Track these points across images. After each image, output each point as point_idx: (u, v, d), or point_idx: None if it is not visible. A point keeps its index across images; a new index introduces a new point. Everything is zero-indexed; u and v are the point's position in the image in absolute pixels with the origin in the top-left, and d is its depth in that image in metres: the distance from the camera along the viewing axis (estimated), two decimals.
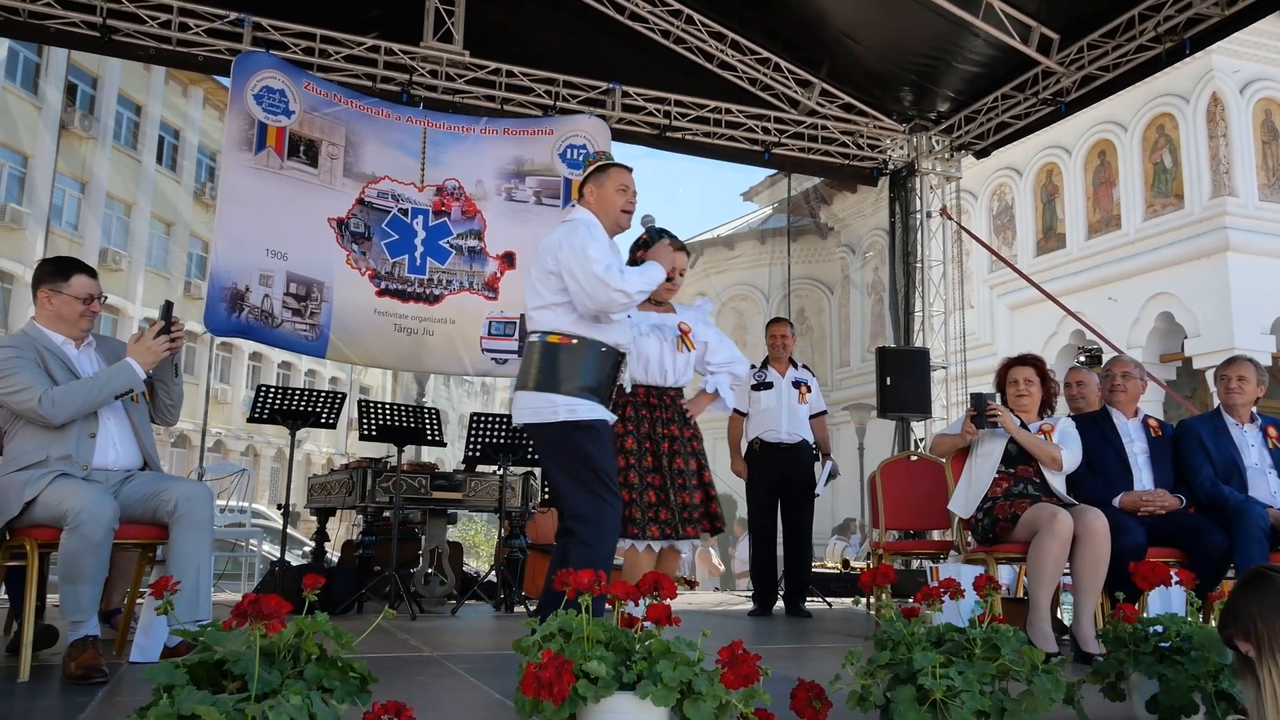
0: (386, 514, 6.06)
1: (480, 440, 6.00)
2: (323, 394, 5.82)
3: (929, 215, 8.45)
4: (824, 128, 8.27)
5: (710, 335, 3.71)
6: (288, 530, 6.16)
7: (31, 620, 3.09)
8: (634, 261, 3.51)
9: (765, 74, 7.96)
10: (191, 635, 1.71)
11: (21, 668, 2.99)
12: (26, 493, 3.06)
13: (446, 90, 7.38)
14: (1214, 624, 2.20)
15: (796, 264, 17.60)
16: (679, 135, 7.96)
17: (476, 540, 18.39)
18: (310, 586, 1.83)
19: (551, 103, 7.58)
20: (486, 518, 15.71)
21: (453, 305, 6.88)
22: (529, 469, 6.25)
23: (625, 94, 7.77)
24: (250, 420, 5.84)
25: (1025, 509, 3.90)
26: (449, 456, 16.96)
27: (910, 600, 2.33)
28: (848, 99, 8.16)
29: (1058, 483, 4.06)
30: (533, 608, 5.57)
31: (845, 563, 9.02)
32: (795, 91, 8.07)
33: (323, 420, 5.75)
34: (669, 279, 3.53)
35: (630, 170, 3.37)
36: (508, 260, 7.01)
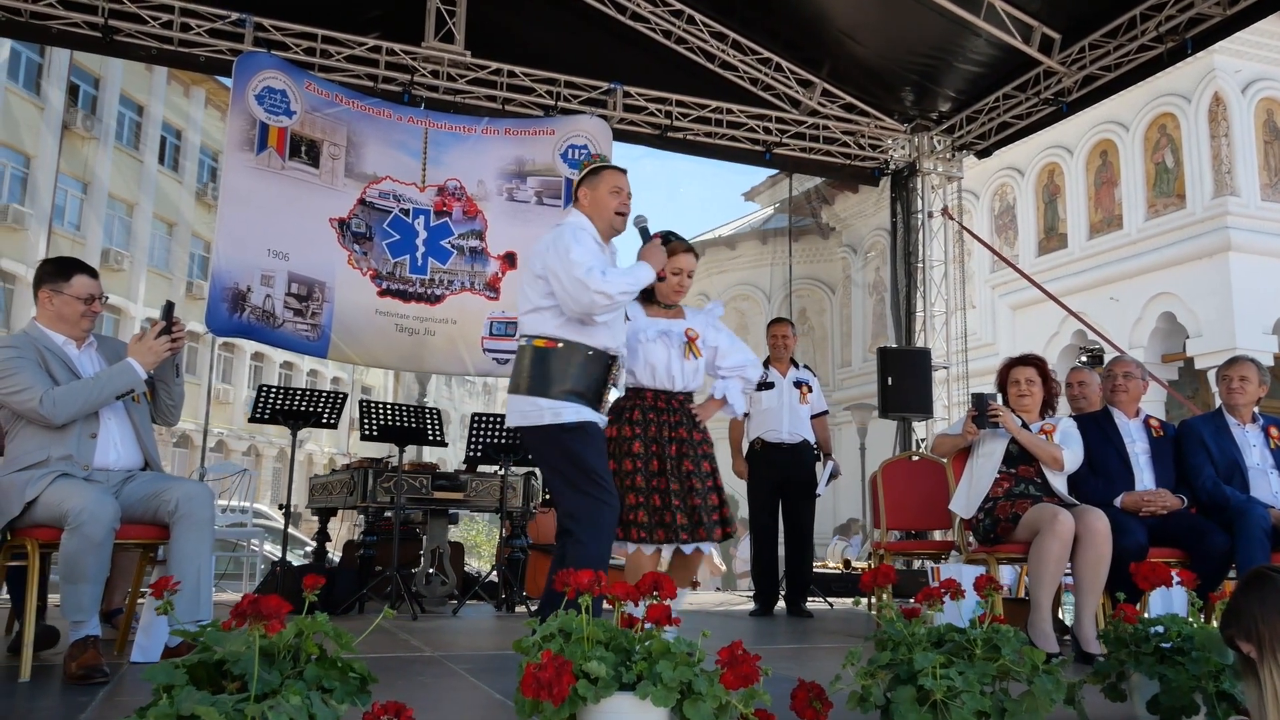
0: (388, 514, 6.06)
1: (481, 440, 6.00)
2: (324, 394, 5.82)
3: (930, 215, 8.44)
4: (825, 128, 8.27)
5: (722, 339, 3.67)
6: (289, 530, 6.16)
7: (33, 620, 3.10)
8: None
9: (766, 74, 7.96)
10: (191, 635, 1.71)
11: (22, 668, 2.99)
12: (28, 493, 3.06)
13: (448, 90, 7.38)
14: (1215, 624, 2.20)
15: (798, 264, 17.59)
16: (680, 135, 7.96)
17: (478, 540, 18.40)
18: (310, 587, 1.83)
19: (553, 103, 7.58)
20: (488, 518, 15.72)
21: (454, 305, 6.89)
22: (530, 469, 6.25)
23: (626, 94, 7.77)
24: (251, 420, 5.84)
25: (1026, 509, 3.90)
26: (450, 456, 16.97)
27: (911, 600, 2.33)
28: (849, 99, 8.15)
29: (1059, 483, 4.06)
30: (534, 608, 5.57)
31: (847, 563, 9.02)
32: (796, 91, 8.07)
33: (324, 420, 5.75)
34: (668, 279, 3.51)
35: (624, 172, 3.37)
36: (509, 260, 7.01)
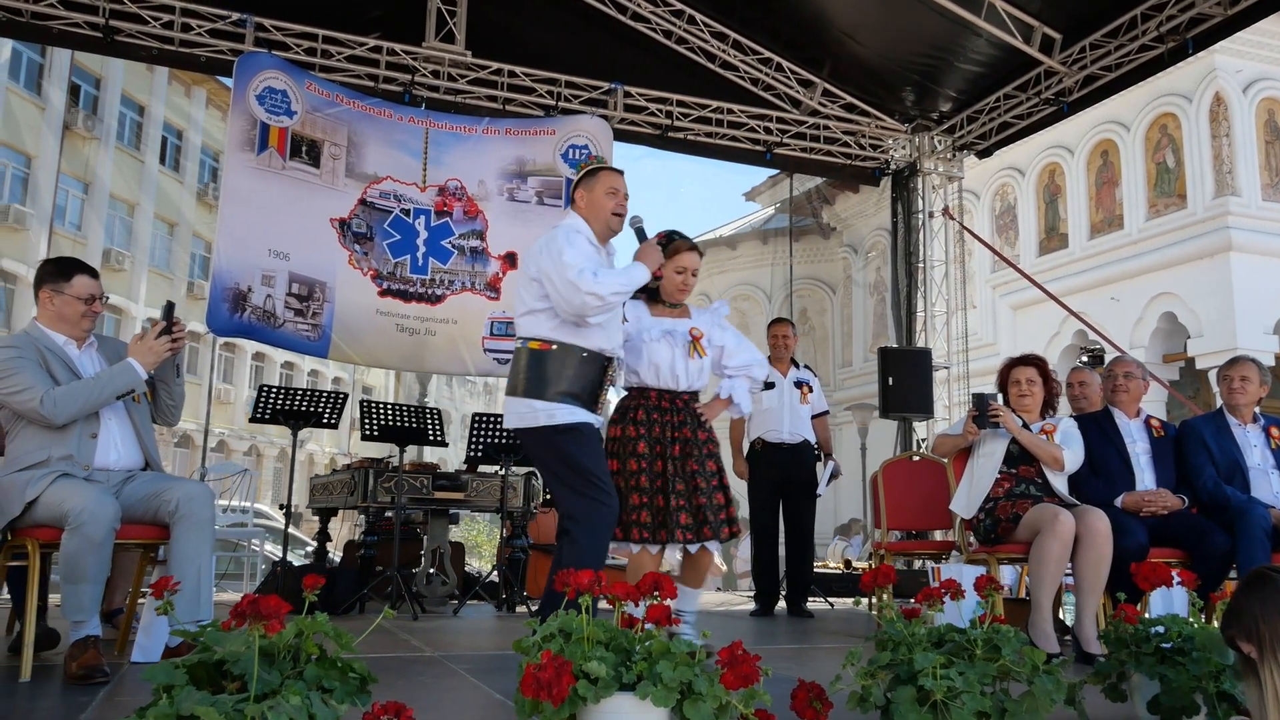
0: (388, 514, 6.06)
1: (482, 440, 6.00)
2: (325, 394, 5.82)
3: (931, 215, 8.44)
4: (826, 128, 8.26)
5: (728, 339, 3.65)
6: (290, 530, 6.16)
7: (33, 620, 3.10)
8: None
9: (767, 74, 7.96)
10: (191, 635, 1.71)
11: (23, 667, 2.99)
12: (28, 493, 3.06)
13: (448, 90, 7.39)
14: (1216, 625, 2.20)
15: (799, 264, 17.59)
16: (681, 135, 7.96)
17: (479, 540, 18.41)
18: (310, 587, 1.82)
19: (553, 103, 7.58)
20: (488, 518, 15.72)
21: (455, 305, 6.89)
22: (531, 469, 6.25)
23: (627, 94, 7.77)
24: (252, 420, 5.84)
25: (1027, 509, 3.89)
26: (451, 456, 16.97)
27: (912, 601, 2.33)
28: (850, 99, 8.15)
29: (1060, 483, 4.06)
30: (535, 608, 5.57)
31: (847, 563, 9.02)
32: (797, 91, 8.07)
33: (325, 420, 5.75)
34: (672, 278, 3.50)
35: (620, 173, 3.38)
36: (510, 260, 7.01)
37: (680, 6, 7.58)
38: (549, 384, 3.15)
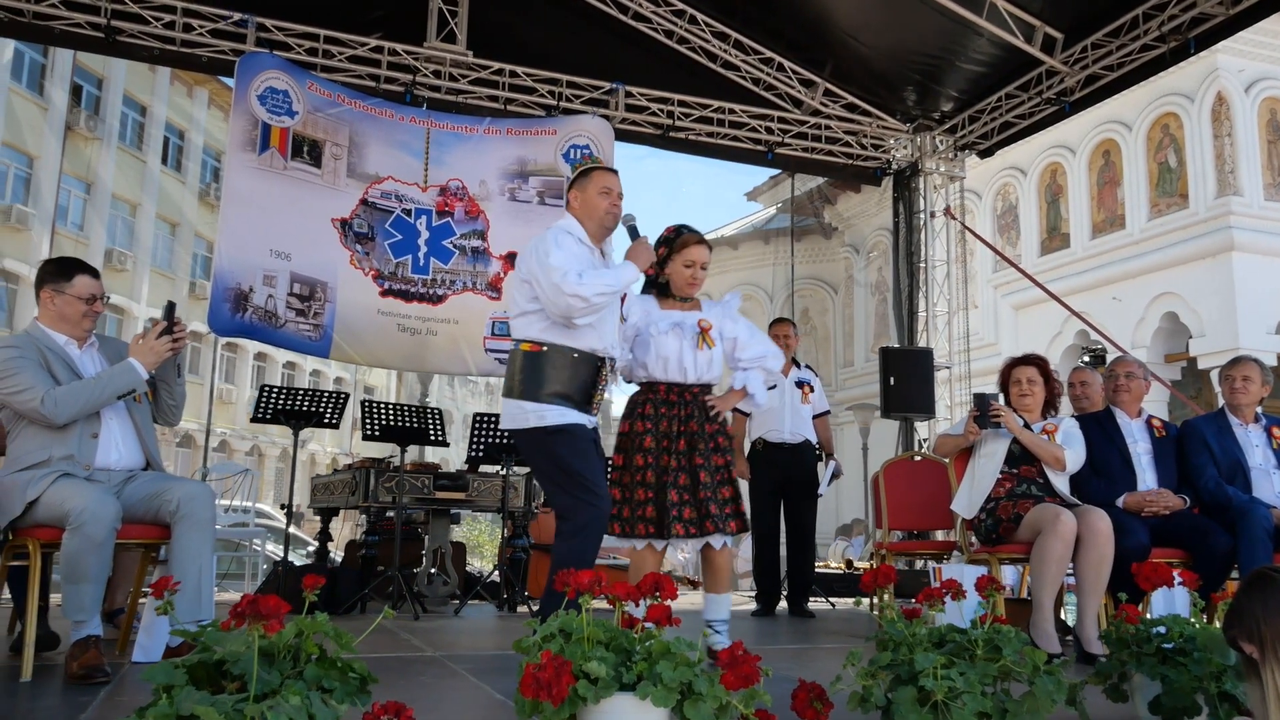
0: (390, 514, 6.06)
1: (483, 440, 6.00)
2: (326, 394, 5.83)
3: (933, 215, 8.43)
4: (827, 127, 8.26)
5: (740, 330, 3.61)
6: (291, 530, 6.16)
7: (34, 620, 3.10)
8: (661, 261, 3.49)
9: (769, 74, 7.96)
10: (191, 635, 1.71)
11: (24, 667, 2.99)
12: (29, 493, 3.07)
13: (450, 90, 7.39)
14: (1218, 625, 2.19)
15: (800, 264, 17.59)
16: (682, 135, 7.96)
17: (480, 540, 18.40)
18: (310, 587, 1.82)
19: (555, 103, 7.58)
20: (490, 518, 15.72)
21: (456, 305, 6.89)
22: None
23: (628, 94, 7.77)
24: (253, 420, 5.84)
25: (1028, 509, 3.89)
26: (453, 456, 16.97)
27: (913, 601, 2.33)
28: (851, 99, 8.15)
29: (1061, 483, 4.05)
30: (536, 608, 5.57)
31: (849, 563, 9.02)
32: (799, 91, 8.07)
33: (326, 420, 5.75)
34: (680, 272, 3.47)
35: (614, 172, 3.38)
36: (511, 260, 7.00)
37: (681, 6, 7.57)
38: (541, 385, 3.16)
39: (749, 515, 6.00)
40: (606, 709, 1.74)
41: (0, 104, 16.76)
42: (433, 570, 6.14)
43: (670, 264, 3.48)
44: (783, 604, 5.97)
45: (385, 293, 6.71)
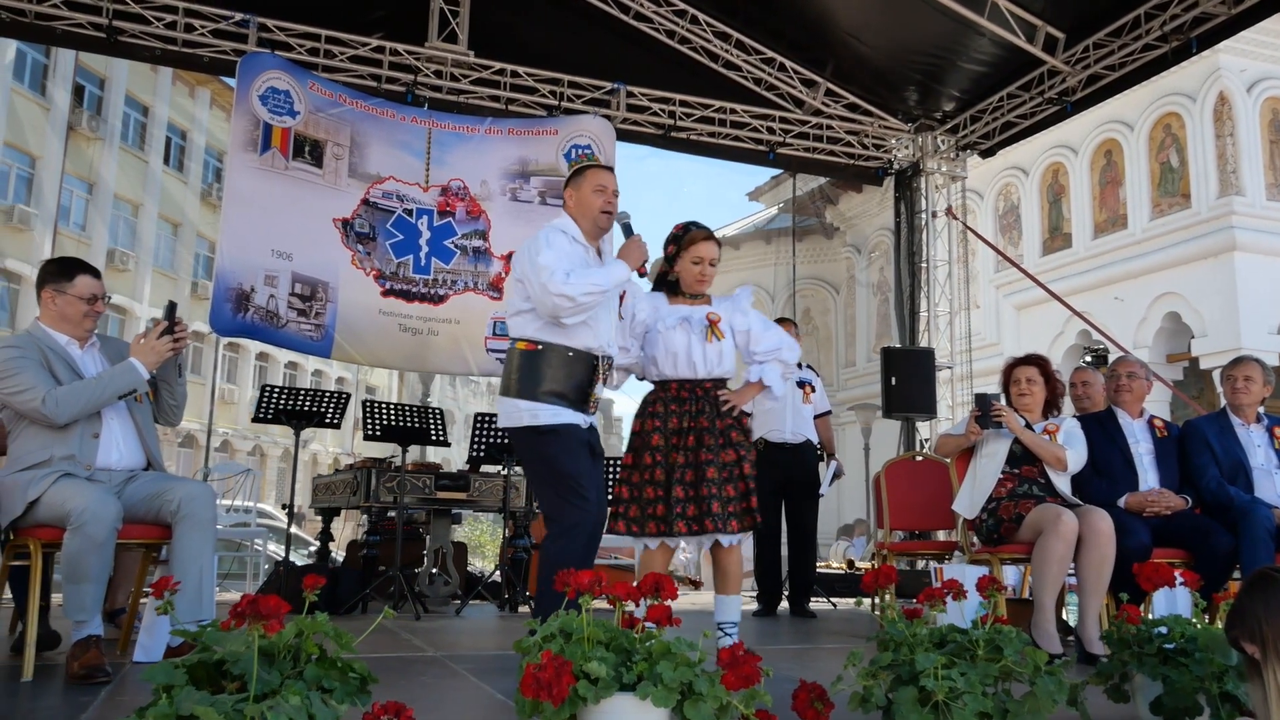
0: (391, 514, 6.06)
1: (484, 440, 6.00)
2: (327, 394, 5.83)
3: (934, 215, 8.43)
4: (829, 127, 8.26)
5: (753, 323, 3.54)
6: (293, 530, 6.17)
7: (35, 620, 3.10)
8: (670, 258, 3.48)
9: (770, 74, 7.95)
10: (192, 635, 1.71)
11: (25, 667, 2.99)
12: (30, 493, 3.07)
13: (451, 90, 7.39)
14: (1219, 625, 2.19)
15: (802, 264, 17.60)
16: (684, 135, 7.96)
17: (481, 540, 18.41)
18: (310, 587, 1.82)
19: (556, 103, 7.58)
20: (491, 518, 15.73)
21: (457, 305, 6.89)
22: None
23: (630, 94, 7.77)
24: (255, 420, 5.85)
25: (1030, 509, 3.89)
26: (454, 456, 16.98)
27: (914, 601, 2.32)
28: (853, 99, 8.14)
29: (1062, 483, 4.05)
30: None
31: (850, 563, 9.01)
32: (800, 91, 8.06)
33: (327, 420, 5.76)
34: (689, 268, 3.43)
35: (609, 170, 3.37)
36: (511, 260, 7.00)
37: (683, 6, 7.57)
38: (536, 384, 3.16)
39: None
40: (607, 709, 1.74)
41: (2, 104, 16.78)
42: (434, 570, 6.14)
43: (679, 261, 3.45)
44: (784, 604, 5.97)
45: (387, 293, 6.72)
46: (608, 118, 7.51)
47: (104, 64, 19.07)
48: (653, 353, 3.43)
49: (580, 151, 7.15)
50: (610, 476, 5.87)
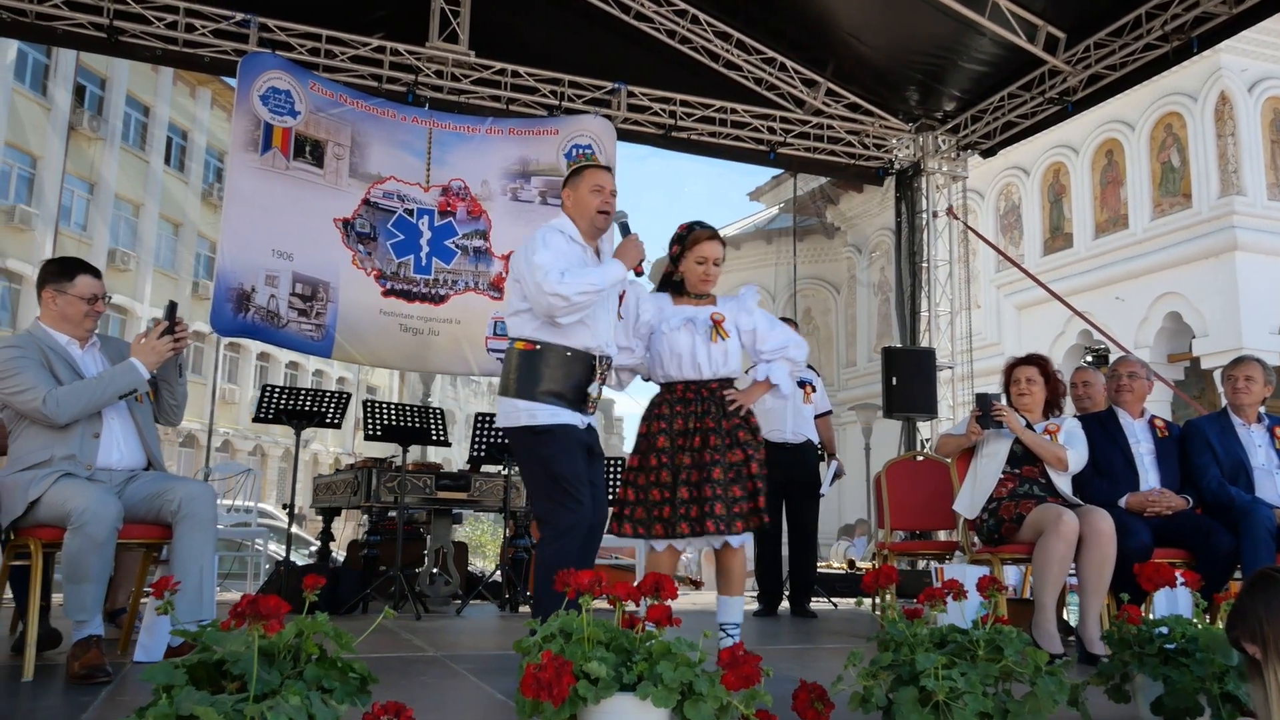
0: (392, 514, 6.06)
1: (485, 440, 6.00)
2: (328, 394, 5.83)
3: (935, 215, 8.43)
4: (830, 127, 8.25)
5: (759, 322, 3.51)
6: (293, 530, 6.17)
7: (36, 620, 3.10)
8: (674, 258, 3.47)
9: (771, 74, 7.95)
10: (192, 635, 1.71)
11: (25, 667, 2.99)
12: (30, 492, 3.07)
13: (452, 90, 7.39)
14: (1220, 626, 2.19)
15: (803, 264, 17.59)
16: (684, 135, 7.96)
17: (482, 540, 18.41)
18: (310, 587, 1.82)
19: (557, 103, 7.58)
20: (492, 518, 15.73)
21: (458, 305, 6.89)
22: None
23: (630, 94, 7.77)
24: (255, 420, 5.85)
25: (1031, 509, 3.88)
26: (455, 456, 16.98)
27: (915, 601, 2.32)
28: (853, 99, 8.14)
29: (1063, 483, 4.04)
30: None
31: (851, 563, 9.01)
32: (801, 91, 8.06)
33: (328, 420, 5.76)
34: (693, 269, 3.41)
35: (607, 170, 3.37)
36: (510, 260, 7.00)
37: (684, 6, 7.57)
38: (534, 383, 3.16)
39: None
40: (607, 709, 1.74)
41: (3, 104, 16.79)
42: (434, 570, 6.14)
43: (683, 261, 3.42)
44: (784, 604, 5.97)
45: (387, 293, 6.72)
46: (608, 117, 7.51)
47: (105, 64, 19.07)
48: (658, 354, 3.42)
49: (581, 151, 7.15)
50: (612, 476, 5.87)
